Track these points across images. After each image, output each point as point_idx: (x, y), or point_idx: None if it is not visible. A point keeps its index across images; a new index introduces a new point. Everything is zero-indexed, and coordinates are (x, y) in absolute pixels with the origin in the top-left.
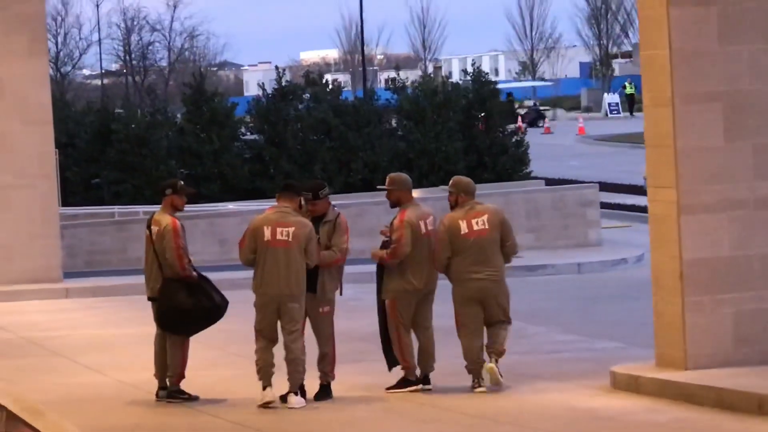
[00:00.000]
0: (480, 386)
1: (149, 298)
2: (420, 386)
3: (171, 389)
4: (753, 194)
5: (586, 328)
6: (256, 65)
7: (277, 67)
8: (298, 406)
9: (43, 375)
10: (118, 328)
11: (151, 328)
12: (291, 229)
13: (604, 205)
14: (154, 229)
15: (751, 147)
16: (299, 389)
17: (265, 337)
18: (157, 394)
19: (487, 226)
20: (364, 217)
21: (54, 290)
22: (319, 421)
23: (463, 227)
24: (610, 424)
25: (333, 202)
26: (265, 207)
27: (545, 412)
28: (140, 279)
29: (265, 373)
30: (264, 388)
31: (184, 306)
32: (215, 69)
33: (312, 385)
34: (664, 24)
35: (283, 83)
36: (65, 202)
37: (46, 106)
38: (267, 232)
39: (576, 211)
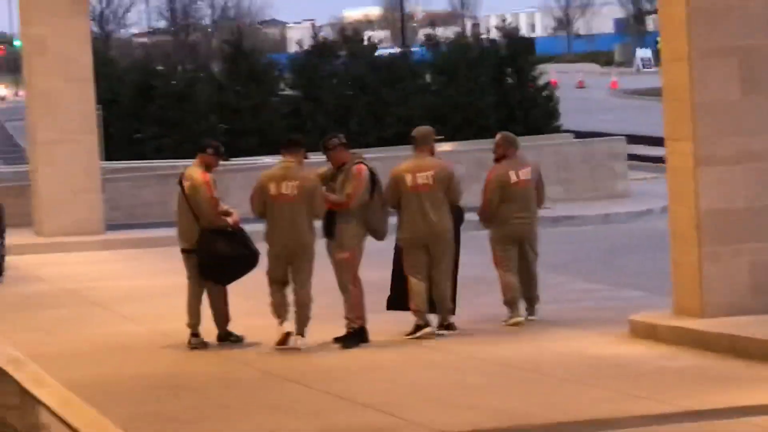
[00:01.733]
0: (518, 317)
1: (184, 250)
2: (428, 330)
3: (221, 334)
4: None
5: (609, 277)
6: (300, 22)
7: (313, 24)
8: (302, 347)
9: (81, 325)
10: (154, 279)
11: (184, 279)
12: (294, 183)
13: (633, 157)
14: (187, 183)
15: (766, 100)
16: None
17: (277, 281)
18: (189, 342)
19: (529, 177)
20: None
21: (95, 242)
22: (344, 368)
23: (513, 177)
24: (626, 370)
25: (368, 155)
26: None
27: (564, 359)
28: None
29: (279, 310)
30: (281, 324)
31: (223, 253)
32: (260, 26)
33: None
34: None
35: (320, 40)
36: (109, 156)
37: (87, 65)
38: (272, 187)
39: (604, 163)
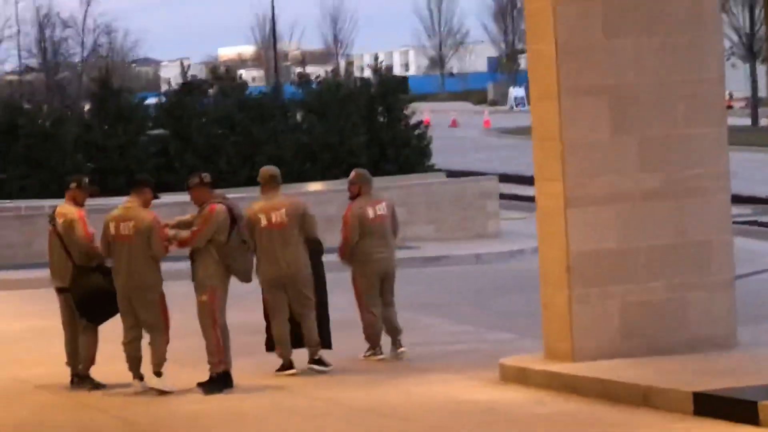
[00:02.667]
0: (380, 354)
1: (58, 289)
2: (293, 371)
3: (81, 375)
4: (638, 187)
5: (481, 319)
6: (174, 61)
7: (182, 63)
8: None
9: None
10: (16, 322)
11: (49, 322)
12: (130, 224)
13: (506, 197)
14: (60, 220)
15: (636, 140)
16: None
17: (126, 321)
18: (72, 381)
19: (385, 212)
20: None
21: None
22: (207, 416)
23: (370, 213)
24: (494, 416)
25: (239, 195)
26: (171, 200)
27: (432, 405)
28: (45, 272)
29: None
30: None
31: (99, 287)
32: (134, 65)
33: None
34: (549, 18)
35: (189, 78)
36: None
37: None
38: (113, 227)
39: (475, 203)
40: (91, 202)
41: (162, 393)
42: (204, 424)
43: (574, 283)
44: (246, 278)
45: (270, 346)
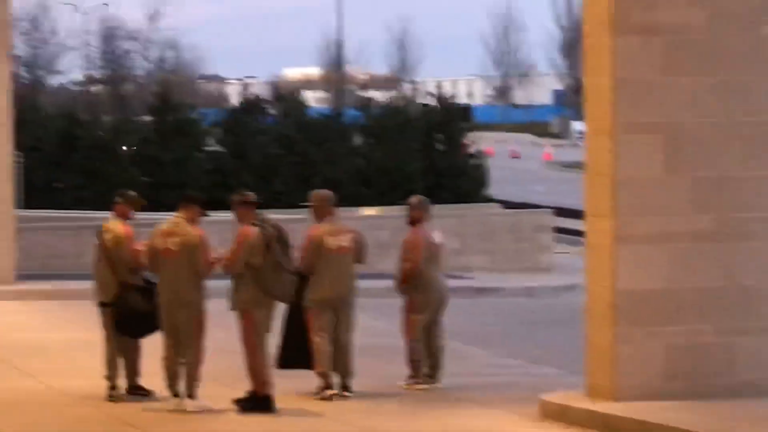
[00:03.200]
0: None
1: (102, 303)
2: (333, 392)
3: (130, 386)
4: (690, 227)
5: (528, 352)
6: (241, 79)
7: (242, 81)
8: (192, 409)
9: None
10: (61, 332)
11: (93, 334)
12: (177, 239)
13: (561, 230)
14: (108, 236)
15: (689, 179)
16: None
17: (167, 336)
18: (110, 396)
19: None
20: None
21: (6, 292)
22: None
23: (436, 239)
24: None
25: (294, 216)
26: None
27: None
28: (93, 284)
29: (169, 371)
30: (170, 392)
31: (140, 308)
32: (201, 81)
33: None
34: (607, 52)
35: (250, 97)
36: (28, 204)
37: (5, 109)
38: (159, 242)
39: (530, 236)
40: (143, 216)
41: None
42: None
43: (619, 321)
44: (285, 299)
45: (281, 363)
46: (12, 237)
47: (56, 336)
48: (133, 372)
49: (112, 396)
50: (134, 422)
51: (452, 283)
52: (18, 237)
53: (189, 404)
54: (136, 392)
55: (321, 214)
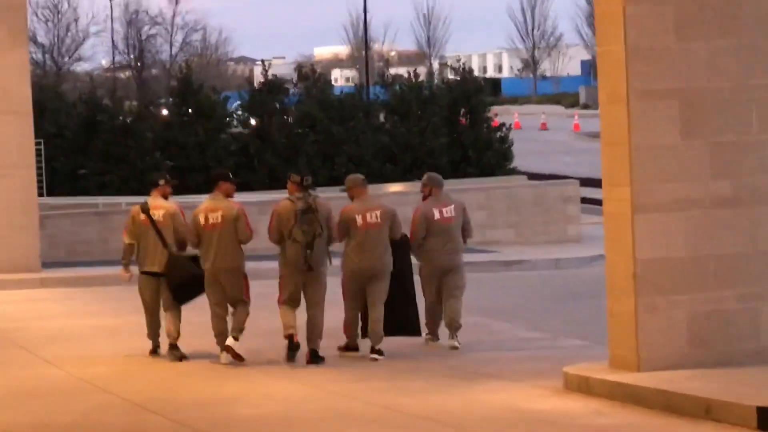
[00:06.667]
0: (435, 340)
1: (149, 273)
2: (357, 353)
3: (170, 345)
4: (709, 193)
5: (555, 325)
6: (269, 60)
7: (263, 61)
8: (236, 347)
9: None
10: (86, 320)
11: (117, 320)
12: (219, 213)
13: (591, 201)
14: (159, 212)
15: (707, 145)
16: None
17: (215, 303)
18: (152, 351)
19: (454, 214)
20: None
21: (31, 280)
22: (261, 419)
23: (436, 214)
24: (553, 427)
25: (316, 194)
26: (248, 199)
27: (490, 414)
28: (117, 270)
29: (219, 328)
30: (221, 342)
31: (194, 273)
32: (230, 63)
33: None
34: (620, 20)
35: (270, 77)
36: (52, 192)
37: (26, 97)
38: (201, 218)
39: (556, 207)
40: (173, 199)
41: (236, 357)
42: (257, 428)
43: (640, 291)
44: (296, 266)
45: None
46: (36, 224)
47: (80, 323)
48: (173, 334)
49: (155, 352)
50: (155, 409)
51: (478, 257)
52: (42, 224)
53: (231, 341)
54: (174, 351)
55: (352, 194)
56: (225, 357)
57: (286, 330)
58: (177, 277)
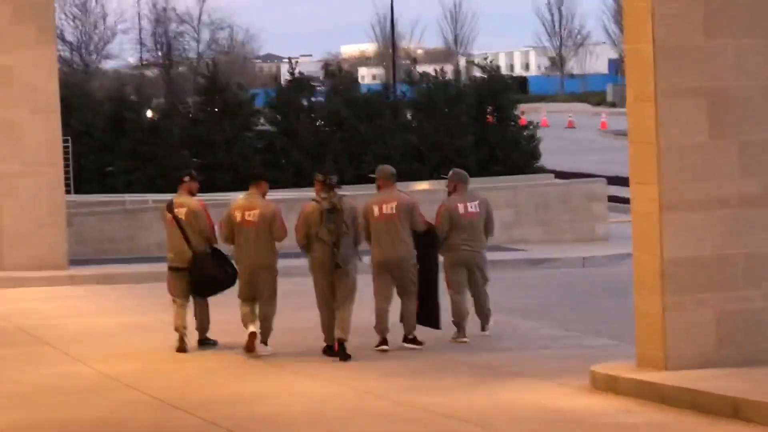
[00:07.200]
0: (464, 338)
1: (175, 268)
2: (386, 347)
3: (201, 339)
4: (737, 192)
5: (582, 323)
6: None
7: (290, 59)
8: (266, 353)
9: (26, 365)
10: (113, 317)
11: (143, 318)
12: (256, 211)
13: (616, 199)
14: (183, 210)
15: (736, 144)
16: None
17: (246, 298)
18: (178, 348)
19: (478, 210)
20: None
21: (58, 277)
22: (289, 416)
23: (461, 209)
24: (579, 426)
25: (343, 193)
26: (275, 197)
27: (517, 412)
28: (145, 267)
29: (246, 318)
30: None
31: (214, 274)
32: (257, 61)
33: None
34: (648, 17)
35: (297, 75)
36: (80, 189)
37: (53, 95)
38: (237, 215)
39: (583, 205)
40: (199, 196)
41: (251, 349)
42: (284, 426)
43: (668, 289)
44: (321, 265)
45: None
46: (64, 222)
47: (107, 321)
48: (202, 327)
49: (180, 348)
50: (183, 406)
51: (505, 255)
52: (69, 222)
53: (262, 349)
54: (206, 343)
55: (378, 185)
56: (262, 349)
57: (327, 342)
58: (197, 275)
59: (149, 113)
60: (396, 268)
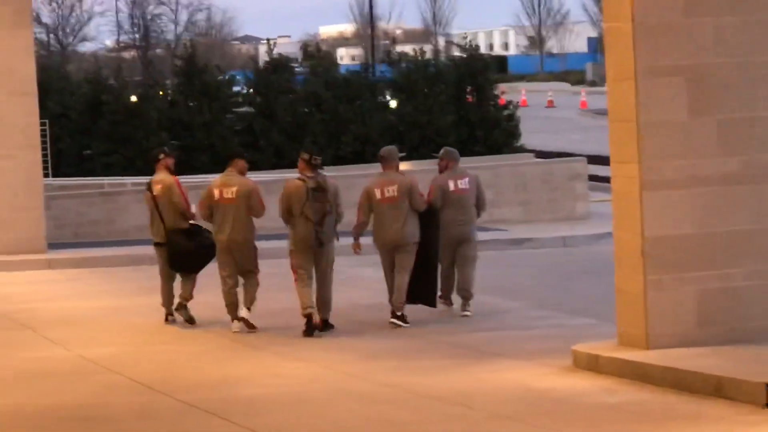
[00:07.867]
0: (449, 305)
1: (156, 244)
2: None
3: (178, 306)
4: (718, 170)
5: (562, 303)
6: (274, 39)
7: (268, 40)
8: (247, 316)
9: (5, 349)
10: (92, 301)
11: (125, 301)
12: (234, 189)
13: (599, 179)
14: (157, 187)
15: (715, 122)
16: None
17: (227, 275)
18: (166, 318)
19: (468, 186)
20: (353, 189)
21: (37, 261)
22: (267, 399)
23: (451, 185)
24: (561, 405)
25: (324, 173)
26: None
27: (499, 393)
28: (124, 250)
29: (229, 297)
30: (232, 313)
31: (187, 249)
32: (234, 42)
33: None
34: None
35: (275, 56)
36: (58, 173)
37: (30, 78)
38: (216, 193)
39: (563, 185)
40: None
41: (250, 326)
42: (266, 408)
43: (649, 268)
44: (307, 243)
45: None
46: (42, 205)
47: (87, 304)
48: (183, 297)
49: (168, 321)
50: (164, 389)
51: (485, 235)
52: (48, 205)
53: (244, 312)
54: (183, 309)
55: (382, 166)
56: (237, 325)
57: (304, 310)
58: (171, 250)
59: (133, 98)
60: (400, 247)
